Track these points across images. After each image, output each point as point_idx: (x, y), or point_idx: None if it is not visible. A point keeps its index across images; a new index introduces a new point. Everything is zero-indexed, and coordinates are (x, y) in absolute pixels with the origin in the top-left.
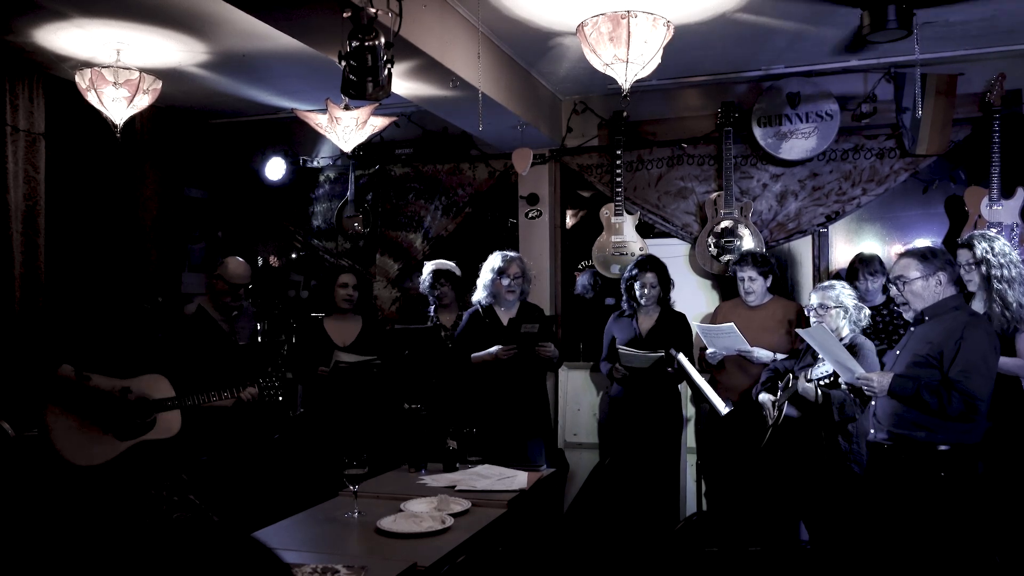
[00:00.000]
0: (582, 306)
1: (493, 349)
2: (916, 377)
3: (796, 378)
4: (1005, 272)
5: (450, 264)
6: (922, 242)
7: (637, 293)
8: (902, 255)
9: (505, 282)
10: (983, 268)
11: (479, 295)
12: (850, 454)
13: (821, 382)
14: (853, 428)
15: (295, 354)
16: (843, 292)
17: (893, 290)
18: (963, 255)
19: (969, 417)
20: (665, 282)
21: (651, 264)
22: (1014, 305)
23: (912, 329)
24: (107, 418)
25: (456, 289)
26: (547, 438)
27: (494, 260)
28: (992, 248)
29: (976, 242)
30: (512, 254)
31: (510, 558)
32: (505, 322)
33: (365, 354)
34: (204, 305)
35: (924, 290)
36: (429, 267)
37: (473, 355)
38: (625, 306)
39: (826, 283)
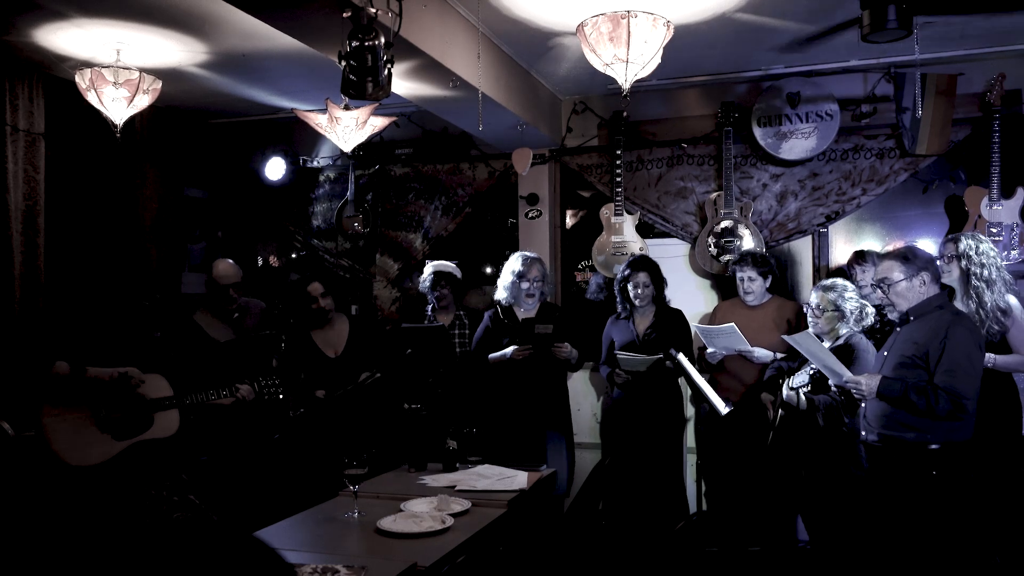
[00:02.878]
0: (583, 306)
1: (508, 350)
2: (903, 378)
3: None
4: (985, 272)
5: (452, 266)
6: (922, 243)
7: (631, 294)
8: (884, 257)
9: (524, 285)
10: (962, 263)
11: (500, 295)
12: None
13: (802, 389)
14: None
15: (283, 366)
16: (843, 295)
17: (878, 292)
18: (947, 248)
19: (957, 416)
20: (658, 280)
21: (642, 264)
22: (988, 305)
23: (898, 330)
24: (107, 407)
25: (455, 291)
26: (568, 437)
27: (514, 263)
28: (977, 248)
29: (963, 238)
30: (532, 256)
31: (510, 558)
32: (521, 322)
33: (359, 358)
34: (198, 318)
35: (908, 291)
36: (431, 268)
37: (491, 355)
38: (620, 308)
39: (827, 282)
